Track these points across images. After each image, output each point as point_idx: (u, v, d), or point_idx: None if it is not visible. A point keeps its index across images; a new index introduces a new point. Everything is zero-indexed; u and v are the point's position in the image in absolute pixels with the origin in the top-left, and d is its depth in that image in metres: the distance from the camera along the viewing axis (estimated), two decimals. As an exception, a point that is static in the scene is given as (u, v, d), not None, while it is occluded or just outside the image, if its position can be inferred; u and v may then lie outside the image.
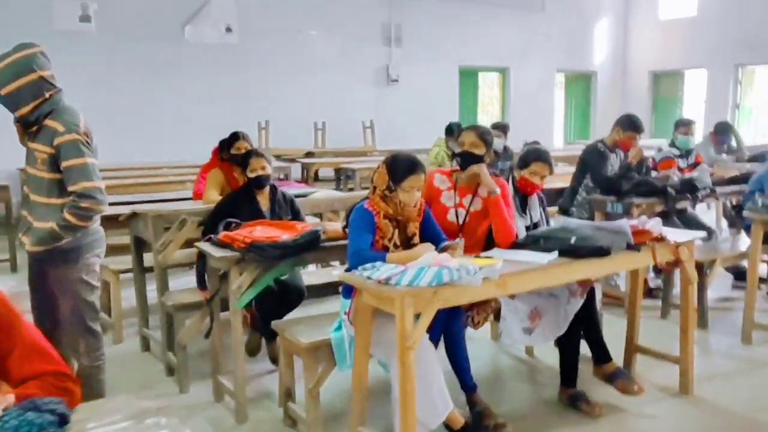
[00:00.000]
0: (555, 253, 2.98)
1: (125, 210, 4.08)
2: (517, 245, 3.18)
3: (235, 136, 4.80)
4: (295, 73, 10.60)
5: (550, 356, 3.84)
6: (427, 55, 11.98)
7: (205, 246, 3.26)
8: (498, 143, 7.00)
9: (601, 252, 2.96)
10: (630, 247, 3.14)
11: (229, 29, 9.97)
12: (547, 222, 3.72)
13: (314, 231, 3.20)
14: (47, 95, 2.73)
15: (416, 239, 2.97)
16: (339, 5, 10.94)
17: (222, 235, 3.23)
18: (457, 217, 3.36)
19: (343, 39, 11.03)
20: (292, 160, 9.57)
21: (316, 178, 9.50)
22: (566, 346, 3.44)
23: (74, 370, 2.89)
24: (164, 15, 9.48)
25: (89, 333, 2.93)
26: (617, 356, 3.59)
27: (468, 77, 13.14)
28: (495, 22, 12.76)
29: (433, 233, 3.04)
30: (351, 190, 7.86)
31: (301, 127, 10.43)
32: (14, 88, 2.64)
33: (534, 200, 3.65)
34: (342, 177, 8.37)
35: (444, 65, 12.31)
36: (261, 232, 3.24)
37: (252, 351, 3.94)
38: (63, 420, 1.45)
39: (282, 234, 3.20)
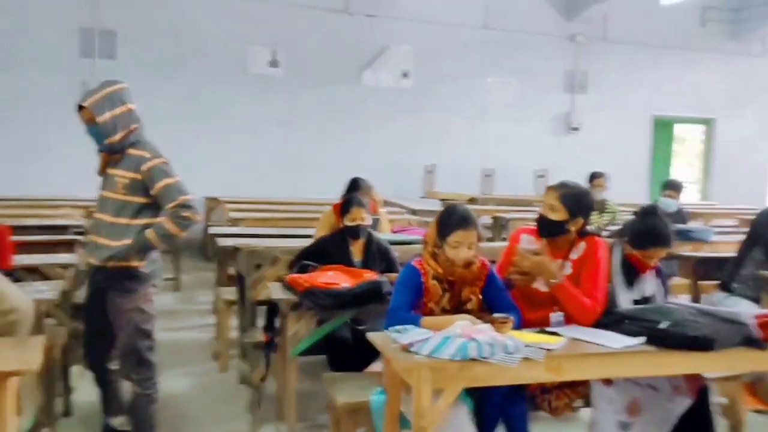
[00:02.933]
0: (640, 339, 2.45)
1: (239, 243, 4.23)
2: (600, 324, 2.68)
3: (355, 185, 4.80)
4: (468, 118, 10.49)
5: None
6: (615, 103, 11.17)
7: (273, 286, 3.22)
8: (670, 204, 6.23)
9: (699, 344, 2.36)
10: (752, 342, 2.48)
11: (405, 74, 10.20)
12: (666, 296, 3.12)
13: (375, 281, 3.00)
14: (133, 127, 2.92)
15: (471, 305, 2.63)
16: (521, 51, 10.66)
17: (289, 276, 3.16)
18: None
19: (521, 85, 10.72)
20: (454, 206, 9.41)
21: (477, 226, 9.20)
22: (668, 454, 2.81)
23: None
24: (344, 60, 9.97)
25: (142, 364, 2.95)
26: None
27: (663, 128, 11.99)
28: (698, 69, 11.55)
29: (498, 301, 2.67)
30: (504, 239, 7.48)
31: (469, 173, 10.27)
32: (108, 117, 2.84)
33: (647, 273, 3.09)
34: (497, 226, 8.01)
35: (634, 114, 11.38)
36: (327, 277, 3.12)
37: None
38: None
39: (344, 282, 3.05)
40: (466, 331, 2.21)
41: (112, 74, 8.60)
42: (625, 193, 8.87)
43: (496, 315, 2.43)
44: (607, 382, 2.86)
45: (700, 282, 4.72)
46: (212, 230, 5.57)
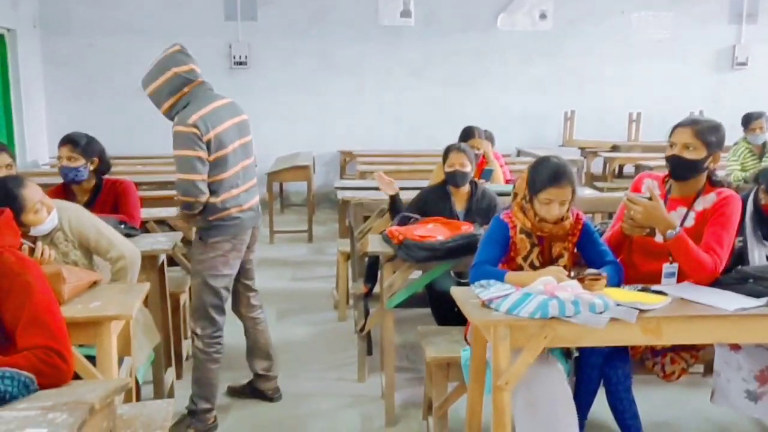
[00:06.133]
0: (762, 300, 2.14)
1: (353, 195, 4.26)
2: (720, 283, 2.37)
3: (469, 133, 4.65)
4: (613, 59, 9.69)
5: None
6: (793, 33, 9.78)
7: (373, 238, 3.21)
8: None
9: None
10: None
11: (543, 16, 9.60)
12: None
13: (471, 235, 2.88)
14: (186, 89, 2.79)
15: (563, 262, 2.43)
16: (676, -20, 9.62)
17: (388, 228, 3.13)
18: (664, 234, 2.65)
19: (675, 19, 9.67)
20: (595, 154, 8.86)
21: (620, 175, 8.61)
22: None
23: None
24: (478, 5, 9.57)
25: (207, 320, 2.94)
26: None
27: None
28: None
29: (593, 256, 2.45)
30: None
31: (612, 119, 9.53)
32: (156, 87, 2.78)
33: (787, 225, 2.68)
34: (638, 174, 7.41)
35: (817, 44, 9.89)
36: (425, 230, 3.05)
37: None
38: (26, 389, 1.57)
39: (440, 234, 2.96)
40: (548, 288, 2.05)
41: (254, 35, 9.04)
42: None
43: (588, 271, 2.23)
44: (735, 346, 2.56)
45: None
46: (337, 183, 5.68)
